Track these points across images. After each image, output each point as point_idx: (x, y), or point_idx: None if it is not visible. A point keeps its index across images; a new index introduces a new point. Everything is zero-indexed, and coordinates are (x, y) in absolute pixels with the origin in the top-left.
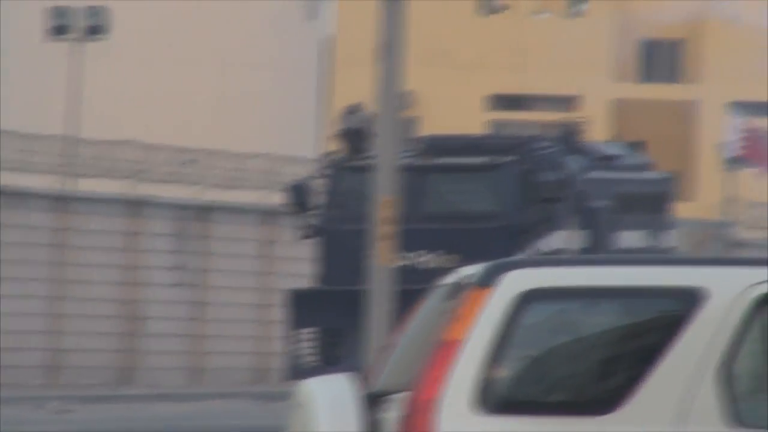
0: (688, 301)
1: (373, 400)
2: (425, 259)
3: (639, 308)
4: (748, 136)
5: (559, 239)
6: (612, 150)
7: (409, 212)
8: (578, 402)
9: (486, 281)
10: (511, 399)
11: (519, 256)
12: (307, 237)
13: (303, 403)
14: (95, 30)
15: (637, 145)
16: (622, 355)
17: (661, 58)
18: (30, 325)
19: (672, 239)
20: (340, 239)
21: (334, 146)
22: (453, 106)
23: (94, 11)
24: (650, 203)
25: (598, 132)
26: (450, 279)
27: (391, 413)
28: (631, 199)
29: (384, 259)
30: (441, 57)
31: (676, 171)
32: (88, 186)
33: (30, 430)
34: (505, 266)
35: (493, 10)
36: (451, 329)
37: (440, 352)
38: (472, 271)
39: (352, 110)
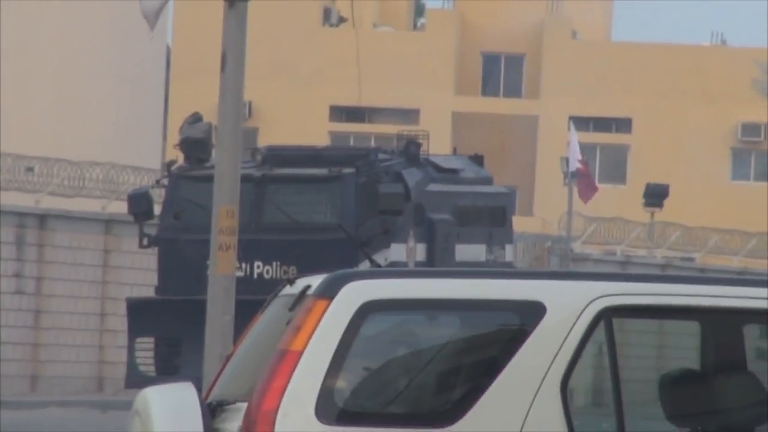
0: (527, 314)
1: (213, 410)
2: (260, 269)
3: (478, 321)
4: (584, 174)
5: (397, 252)
6: (452, 163)
7: (246, 223)
8: (417, 414)
9: (325, 292)
10: (350, 410)
11: (358, 268)
12: (146, 246)
13: (141, 411)
14: None
15: (476, 159)
16: (461, 367)
17: (502, 72)
18: None
19: (510, 253)
20: (178, 249)
21: (174, 156)
22: (294, 118)
23: None
24: (490, 217)
25: (440, 145)
26: (290, 289)
27: (231, 423)
28: (471, 213)
29: (223, 268)
30: (283, 68)
31: (517, 185)
32: None
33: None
34: (344, 277)
35: (334, 23)
36: (291, 340)
37: (280, 362)
38: (312, 281)
39: (192, 120)
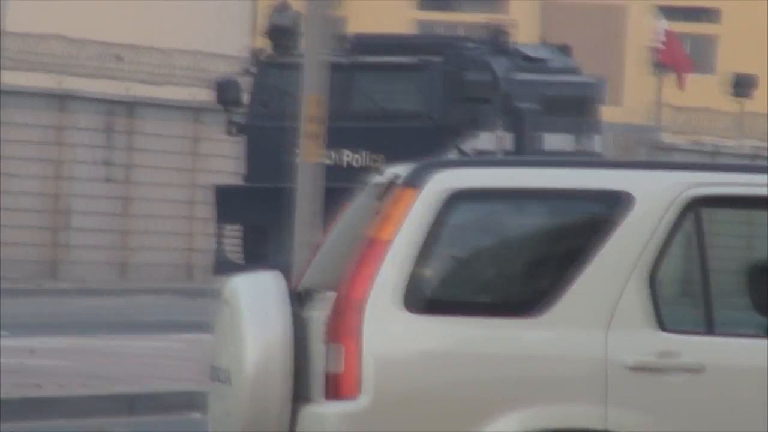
0: (616, 204)
1: (300, 298)
2: (349, 157)
3: (567, 211)
4: (666, 41)
5: (484, 140)
6: (538, 53)
7: (333, 110)
8: (506, 303)
9: (413, 181)
10: (438, 299)
11: (447, 156)
12: (232, 134)
13: (230, 299)
14: None
15: (563, 49)
16: (549, 257)
17: None
18: None
19: (597, 144)
20: (265, 137)
21: (261, 43)
22: (382, 6)
23: None
24: (576, 107)
25: (528, 34)
26: (378, 178)
27: (319, 311)
28: (559, 102)
29: (310, 157)
30: None
31: (603, 75)
32: (13, 79)
33: None
34: (433, 167)
35: None
36: (379, 229)
37: (367, 251)
38: (400, 170)
39: (280, 8)
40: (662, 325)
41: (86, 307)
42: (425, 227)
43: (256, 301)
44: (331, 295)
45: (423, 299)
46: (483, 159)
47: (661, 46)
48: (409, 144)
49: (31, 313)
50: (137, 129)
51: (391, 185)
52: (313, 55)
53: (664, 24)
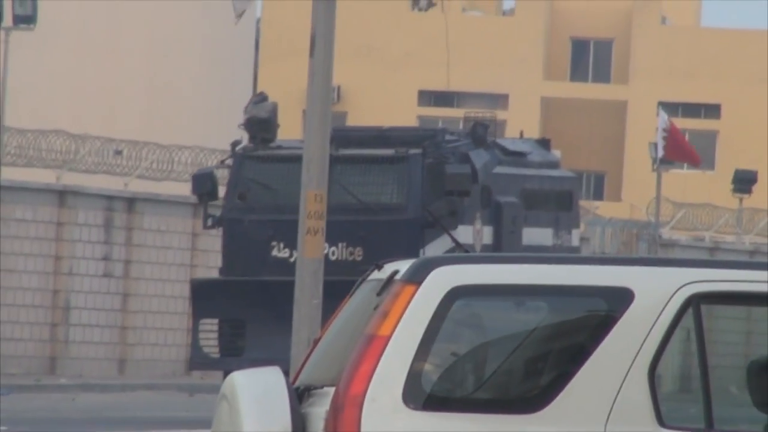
0: (615, 300)
1: (300, 394)
2: (328, 251)
3: (566, 307)
4: (670, 135)
5: (464, 234)
6: (519, 146)
7: None
8: (506, 400)
9: (413, 277)
10: (437, 395)
11: (447, 253)
12: (210, 227)
13: (229, 395)
14: (23, 19)
15: (543, 143)
16: (548, 353)
17: (591, 57)
18: None
19: (577, 238)
20: (243, 229)
21: (240, 136)
22: (383, 102)
23: (21, 1)
24: (557, 201)
25: (528, 130)
26: (378, 274)
27: (319, 407)
28: (538, 196)
29: (311, 252)
30: (371, 52)
31: (606, 171)
32: (13, 175)
33: None
34: (432, 262)
35: (422, 7)
36: (379, 324)
37: (368, 347)
38: (399, 266)
39: (257, 100)
40: (661, 421)
41: (85, 402)
42: (424, 323)
43: (256, 396)
44: (331, 391)
45: (423, 395)
46: (482, 255)
47: (666, 142)
48: (388, 237)
49: (30, 408)
50: (136, 224)
51: (390, 281)
52: (313, 151)
53: (665, 119)
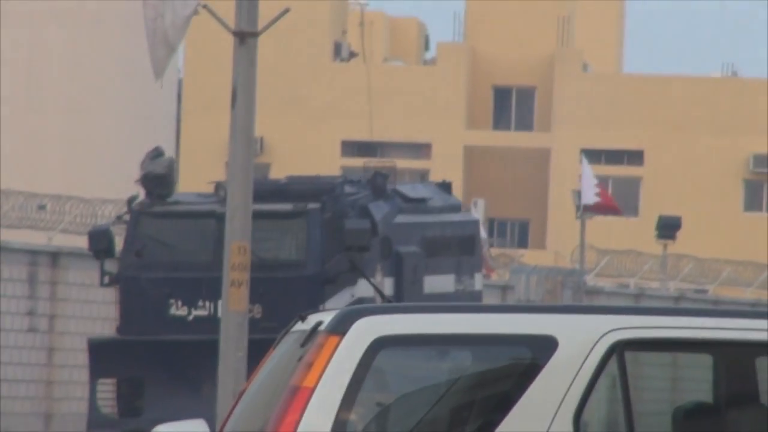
0: (539, 348)
1: None
2: None
3: (490, 355)
4: (600, 185)
5: (365, 287)
6: (420, 192)
7: (210, 260)
8: None
9: (337, 328)
10: None
11: (369, 304)
12: (107, 284)
13: None
14: None
15: (443, 186)
16: (473, 402)
17: (513, 105)
18: None
19: (480, 282)
20: (140, 287)
21: (135, 191)
22: (306, 153)
23: None
24: (459, 246)
25: (452, 179)
26: (302, 325)
27: None
28: (439, 243)
29: (235, 305)
30: (294, 103)
31: (530, 218)
32: None
33: None
34: (356, 313)
35: (344, 57)
36: (303, 376)
37: (292, 398)
38: (323, 317)
39: (154, 155)
40: None
41: None
42: (349, 374)
43: None
44: None
45: None
46: (405, 305)
47: (595, 190)
48: (288, 293)
49: None
50: (61, 279)
51: (314, 332)
52: (236, 204)
53: (588, 168)
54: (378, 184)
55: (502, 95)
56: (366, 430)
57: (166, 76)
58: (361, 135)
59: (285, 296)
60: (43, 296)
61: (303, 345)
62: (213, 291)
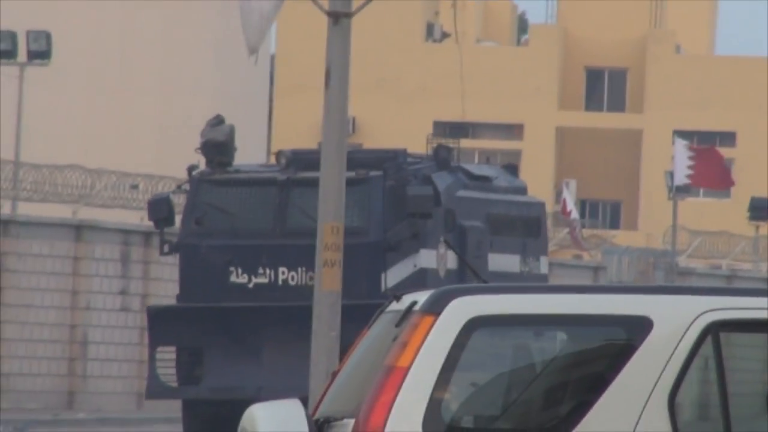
0: (634, 329)
1: (320, 426)
2: (285, 275)
3: (585, 336)
4: (697, 158)
5: (427, 258)
6: (485, 171)
7: (271, 228)
8: (526, 429)
9: (431, 308)
10: (457, 425)
11: (466, 284)
12: (167, 253)
13: (248, 428)
14: (37, 54)
15: (510, 168)
16: (568, 382)
17: (606, 87)
18: None
19: (545, 266)
20: (200, 255)
21: (197, 160)
22: (398, 133)
23: (36, 36)
24: (524, 227)
25: (543, 160)
26: (396, 305)
27: None
28: (504, 222)
29: (328, 284)
30: (386, 83)
31: (621, 200)
32: (31, 210)
33: None
34: (451, 293)
35: (437, 38)
36: (398, 355)
37: (387, 378)
38: (418, 297)
39: (214, 122)
40: None
41: None
42: (444, 354)
43: (275, 429)
44: (350, 423)
45: (442, 426)
46: (500, 285)
47: (690, 170)
48: (349, 261)
49: None
50: (153, 258)
51: (408, 312)
52: (329, 183)
53: (683, 145)
54: (442, 156)
55: (594, 76)
56: (460, 410)
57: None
58: (452, 115)
59: (346, 263)
60: (136, 275)
61: (398, 325)
62: (273, 258)
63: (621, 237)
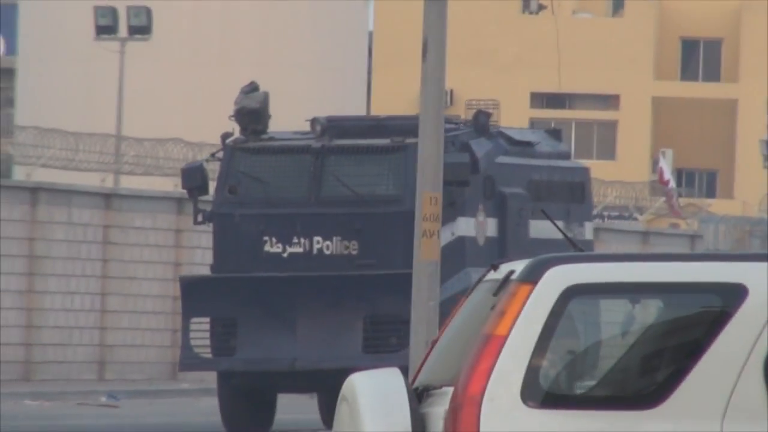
0: (729, 296)
1: (419, 395)
2: (320, 244)
3: (680, 303)
4: None
5: (466, 226)
6: (527, 137)
7: (305, 196)
8: (623, 396)
9: (529, 277)
10: (555, 392)
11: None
12: (201, 222)
13: (349, 397)
14: (138, 30)
15: (553, 133)
16: (664, 349)
17: (701, 57)
18: (77, 321)
19: (590, 231)
20: (234, 224)
21: (231, 128)
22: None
23: (137, 11)
24: (567, 193)
25: (640, 130)
26: (494, 275)
27: (438, 407)
28: (547, 188)
29: (427, 254)
30: (483, 56)
31: (717, 169)
32: (133, 183)
33: (78, 423)
34: (548, 262)
35: (533, 10)
36: (496, 324)
37: (485, 346)
38: (515, 266)
39: (248, 90)
40: None
41: (206, 407)
42: (541, 322)
43: (376, 398)
44: (449, 391)
45: (541, 393)
46: (596, 254)
47: None
48: (384, 230)
49: (152, 412)
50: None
51: (506, 281)
52: (427, 154)
53: None
54: (481, 122)
55: (689, 47)
56: (558, 377)
57: (358, 29)
58: (549, 87)
59: (382, 232)
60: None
61: (495, 294)
62: (308, 228)
63: (717, 205)
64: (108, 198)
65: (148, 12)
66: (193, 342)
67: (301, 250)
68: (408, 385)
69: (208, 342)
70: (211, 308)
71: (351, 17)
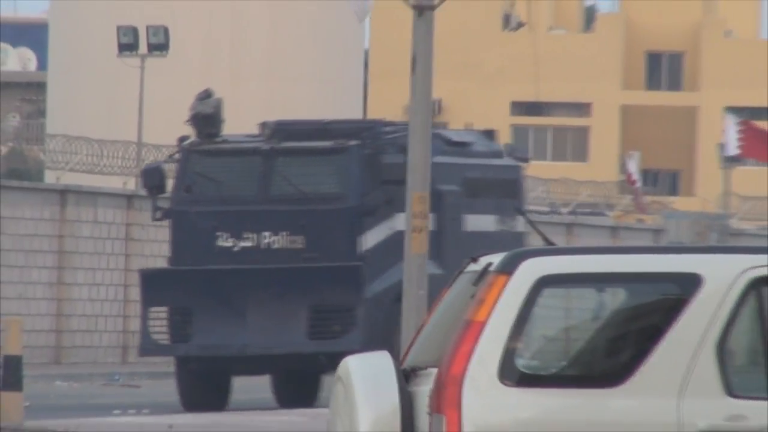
0: (686, 285)
1: (407, 375)
2: (268, 239)
3: (642, 292)
4: (745, 132)
5: (403, 221)
6: (462, 137)
7: (255, 194)
8: (590, 375)
9: (505, 268)
10: (530, 373)
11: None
12: (159, 219)
13: (343, 377)
14: (157, 47)
15: (488, 134)
16: (627, 333)
17: (664, 68)
18: (102, 309)
19: (522, 224)
20: (189, 221)
21: (189, 132)
22: (479, 112)
23: (155, 30)
24: (501, 189)
25: (609, 135)
26: (474, 266)
27: (424, 386)
28: (481, 184)
29: (417, 248)
30: (468, 68)
31: (681, 169)
32: None
33: (102, 402)
34: (523, 255)
35: (513, 27)
36: (476, 311)
37: (466, 331)
38: (493, 259)
39: (203, 96)
40: (730, 392)
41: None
42: (516, 309)
43: (368, 378)
44: (434, 372)
45: (516, 373)
46: (566, 248)
47: (738, 141)
48: (328, 225)
49: (171, 392)
50: None
51: (485, 272)
52: (417, 157)
53: (732, 120)
54: None
55: (654, 59)
56: (533, 359)
57: (355, 45)
58: (528, 96)
59: (326, 227)
60: None
61: (475, 284)
62: (258, 224)
63: (679, 203)
64: (130, 199)
65: (165, 31)
66: (151, 329)
67: (251, 244)
68: (397, 367)
69: (166, 329)
70: (169, 298)
71: (349, 35)
